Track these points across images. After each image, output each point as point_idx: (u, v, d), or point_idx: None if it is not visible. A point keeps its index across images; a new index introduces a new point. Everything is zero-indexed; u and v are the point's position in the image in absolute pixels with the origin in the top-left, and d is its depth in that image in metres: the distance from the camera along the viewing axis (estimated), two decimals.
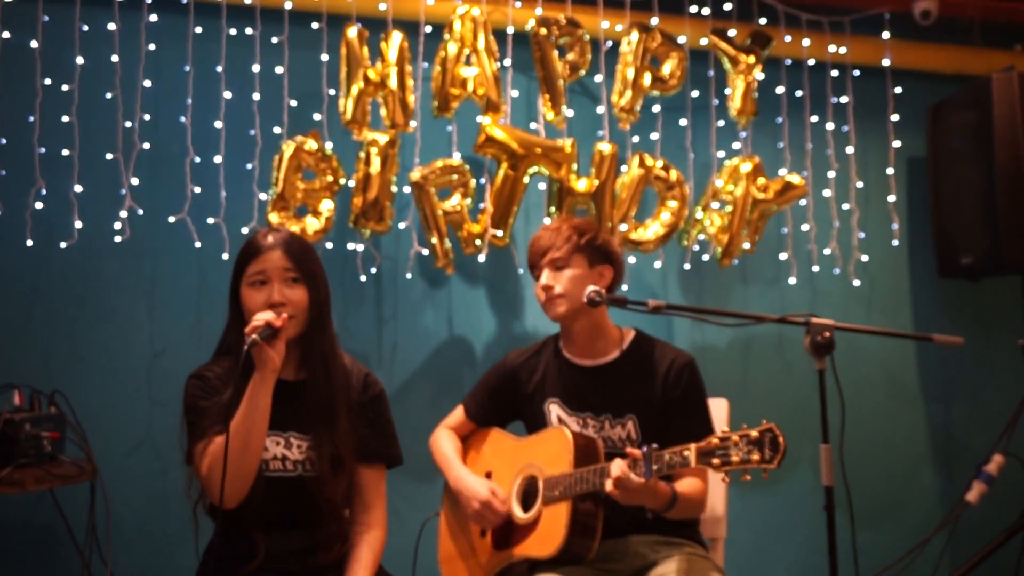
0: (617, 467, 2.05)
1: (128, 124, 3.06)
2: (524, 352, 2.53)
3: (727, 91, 3.46)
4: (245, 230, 3.09)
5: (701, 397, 2.37)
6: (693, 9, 3.49)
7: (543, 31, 3.21)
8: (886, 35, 3.68)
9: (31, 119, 2.98)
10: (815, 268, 3.68)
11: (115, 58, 3.06)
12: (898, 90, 3.72)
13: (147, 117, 3.09)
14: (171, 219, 3.07)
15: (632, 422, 2.32)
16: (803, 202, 3.58)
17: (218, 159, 3.12)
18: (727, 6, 3.51)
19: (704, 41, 3.46)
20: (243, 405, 1.97)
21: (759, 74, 3.45)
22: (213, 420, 2.03)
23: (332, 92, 3.18)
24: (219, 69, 3.14)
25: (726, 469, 1.95)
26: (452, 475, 2.43)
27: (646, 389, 2.34)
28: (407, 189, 3.17)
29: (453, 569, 2.45)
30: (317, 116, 3.17)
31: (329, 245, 3.20)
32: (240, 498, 1.99)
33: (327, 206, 3.08)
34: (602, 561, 2.23)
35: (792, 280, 3.63)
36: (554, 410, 2.39)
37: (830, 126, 3.66)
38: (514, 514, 2.31)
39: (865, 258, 3.71)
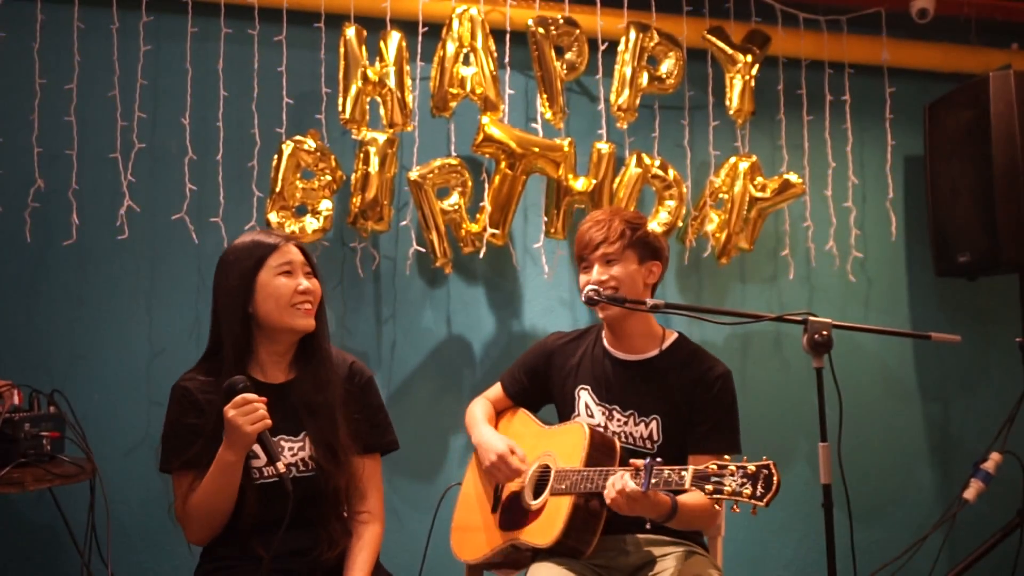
0: (620, 479, 2.04)
1: (126, 123, 3.06)
2: (566, 335, 2.56)
3: (725, 90, 3.46)
4: (245, 229, 3.09)
5: (730, 411, 2.36)
6: (691, 8, 3.49)
7: (541, 30, 3.21)
8: (883, 34, 3.68)
9: (30, 118, 2.98)
10: (813, 266, 3.69)
11: (114, 57, 3.06)
12: (895, 88, 3.72)
13: (146, 116, 3.08)
14: (170, 218, 3.07)
15: (656, 423, 2.33)
16: (801, 200, 3.58)
17: (217, 158, 3.12)
18: (724, 5, 3.52)
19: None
20: (214, 480, 2.01)
21: (756, 72, 3.45)
22: (193, 458, 2.06)
23: (331, 91, 3.18)
24: (218, 68, 3.14)
25: (718, 498, 1.90)
26: (475, 432, 2.48)
27: (675, 392, 2.34)
28: (406, 188, 3.18)
29: (461, 539, 2.49)
30: (316, 115, 3.17)
31: (328, 244, 3.20)
32: (210, 539, 2.11)
33: (326, 205, 3.08)
34: (601, 557, 2.25)
35: (790, 278, 3.64)
36: (583, 396, 2.41)
37: (827, 124, 3.67)
38: (525, 499, 2.33)
39: (862, 256, 3.72)
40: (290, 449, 2.11)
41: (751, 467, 1.88)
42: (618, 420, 2.36)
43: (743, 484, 1.87)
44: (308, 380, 2.14)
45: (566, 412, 2.45)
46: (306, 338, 2.15)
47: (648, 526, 2.23)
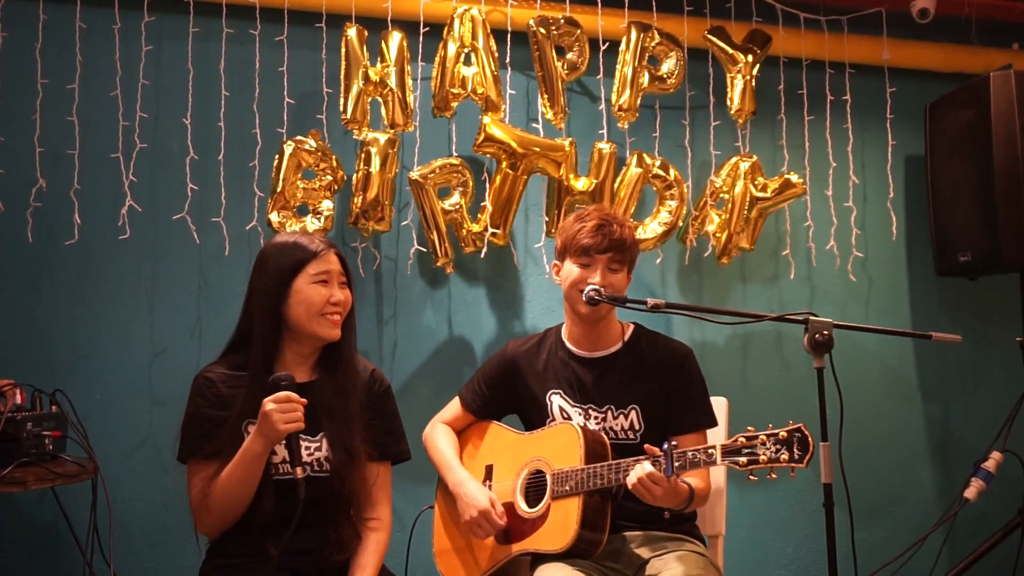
0: (643, 467, 2.08)
1: (128, 123, 3.06)
2: (524, 342, 2.54)
3: (726, 89, 3.46)
4: (247, 229, 3.10)
5: (701, 387, 2.41)
6: (691, 8, 3.49)
7: (542, 30, 3.22)
8: (884, 34, 3.69)
9: (32, 118, 2.98)
10: (814, 266, 3.69)
11: (115, 57, 3.07)
12: (896, 88, 3.72)
13: (147, 116, 3.09)
14: (172, 218, 3.07)
15: (635, 413, 2.35)
16: (801, 200, 3.58)
17: (219, 158, 3.12)
18: (726, 5, 3.52)
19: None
20: (238, 469, 2.02)
21: (757, 72, 3.46)
22: (213, 449, 2.07)
23: (332, 91, 3.18)
24: (219, 68, 3.15)
25: (753, 468, 1.99)
26: (452, 478, 2.41)
27: (646, 380, 2.37)
28: (407, 188, 3.18)
29: (450, 562, 2.45)
30: (317, 115, 3.18)
31: None
32: (223, 531, 2.09)
33: (327, 205, 3.08)
34: (603, 557, 2.25)
35: (791, 278, 3.64)
36: (557, 401, 2.41)
37: (828, 124, 3.67)
38: (519, 508, 2.32)
39: (863, 256, 3.73)
40: (306, 448, 2.12)
41: (782, 433, 1.98)
42: (595, 418, 2.37)
43: (778, 450, 1.97)
44: (331, 384, 2.16)
45: (538, 419, 2.44)
46: (332, 344, 2.17)
47: (667, 515, 2.25)
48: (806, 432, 1.97)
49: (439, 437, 2.52)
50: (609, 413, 2.37)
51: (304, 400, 2.01)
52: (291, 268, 2.11)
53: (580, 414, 2.38)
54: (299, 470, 1.98)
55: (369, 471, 2.18)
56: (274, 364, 2.14)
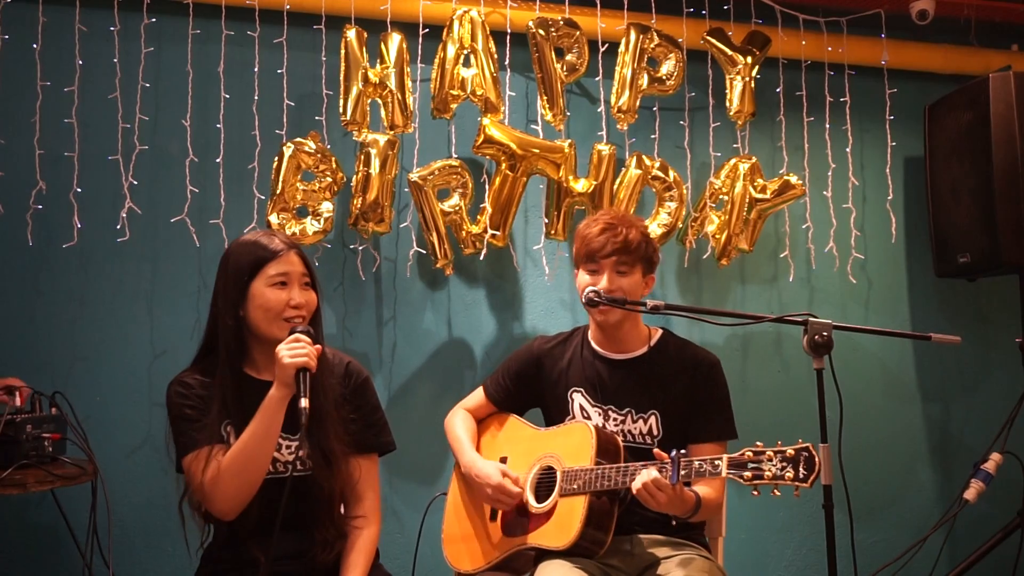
0: (648, 472, 2.07)
1: (128, 125, 3.06)
2: (551, 339, 2.55)
3: (725, 91, 3.47)
4: (246, 231, 3.09)
5: (724, 398, 2.40)
6: (691, 10, 3.50)
7: (541, 32, 3.22)
8: (883, 35, 3.69)
9: (31, 120, 2.98)
10: (813, 267, 3.69)
11: (115, 59, 3.07)
12: (895, 90, 3.73)
13: (147, 118, 3.09)
14: (171, 220, 3.07)
15: (655, 418, 2.35)
16: (801, 201, 3.59)
17: (218, 160, 3.12)
18: (724, 6, 3.52)
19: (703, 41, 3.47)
20: (258, 421, 2.01)
21: (756, 74, 3.46)
22: (210, 434, 2.05)
23: (331, 93, 3.19)
24: (219, 70, 3.15)
25: (757, 483, 1.98)
26: (464, 460, 2.44)
27: (670, 386, 2.36)
28: (406, 190, 3.18)
29: (458, 549, 2.46)
30: (317, 117, 3.18)
31: (328, 246, 3.21)
32: (241, 509, 2.05)
33: (327, 207, 3.08)
34: (608, 557, 2.25)
35: (790, 279, 3.65)
36: (577, 399, 2.41)
37: (828, 126, 3.68)
38: (528, 503, 2.32)
39: (863, 257, 3.73)
40: (287, 448, 2.11)
41: (790, 451, 1.97)
42: (615, 419, 2.37)
43: (784, 468, 1.96)
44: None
45: (559, 416, 2.45)
46: None
47: (674, 523, 2.25)
48: (814, 452, 1.95)
49: (457, 422, 2.54)
50: (629, 417, 2.37)
51: (319, 347, 2.03)
52: (249, 269, 2.09)
53: (600, 414, 2.38)
54: (304, 400, 1.96)
55: (352, 467, 2.16)
56: (241, 367, 2.13)
